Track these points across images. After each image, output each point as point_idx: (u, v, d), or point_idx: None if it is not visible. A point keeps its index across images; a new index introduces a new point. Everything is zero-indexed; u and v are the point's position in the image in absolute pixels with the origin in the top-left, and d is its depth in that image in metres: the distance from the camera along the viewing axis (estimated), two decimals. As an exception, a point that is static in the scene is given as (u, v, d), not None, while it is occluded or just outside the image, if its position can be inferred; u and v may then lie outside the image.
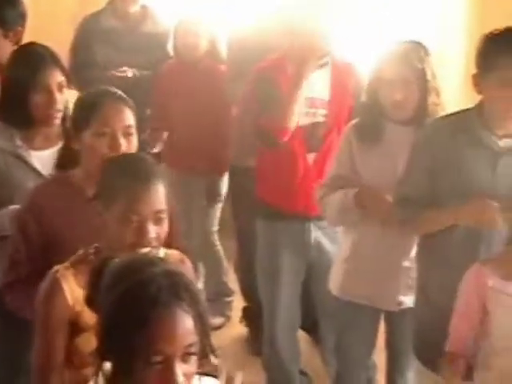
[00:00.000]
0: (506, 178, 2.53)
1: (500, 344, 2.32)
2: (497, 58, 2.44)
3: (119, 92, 2.48)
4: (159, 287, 1.46)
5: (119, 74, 4.07)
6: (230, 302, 4.50)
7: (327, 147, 3.27)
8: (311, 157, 3.32)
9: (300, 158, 3.30)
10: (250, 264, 3.94)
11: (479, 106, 2.57)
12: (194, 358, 1.48)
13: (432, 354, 2.63)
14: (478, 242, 2.55)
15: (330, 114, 3.28)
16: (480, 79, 2.52)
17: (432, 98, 2.81)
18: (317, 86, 3.28)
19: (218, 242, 4.39)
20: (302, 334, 3.99)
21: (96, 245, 2.09)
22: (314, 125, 3.29)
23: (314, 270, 3.49)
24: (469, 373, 2.54)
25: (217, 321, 4.43)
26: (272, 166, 3.38)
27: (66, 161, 2.67)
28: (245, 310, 4.33)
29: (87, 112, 2.40)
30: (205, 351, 1.52)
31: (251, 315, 4.14)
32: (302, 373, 3.82)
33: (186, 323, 1.47)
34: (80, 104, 2.50)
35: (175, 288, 1.48)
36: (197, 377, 1.57)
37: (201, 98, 4.05)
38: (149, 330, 1.44)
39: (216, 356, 1.57)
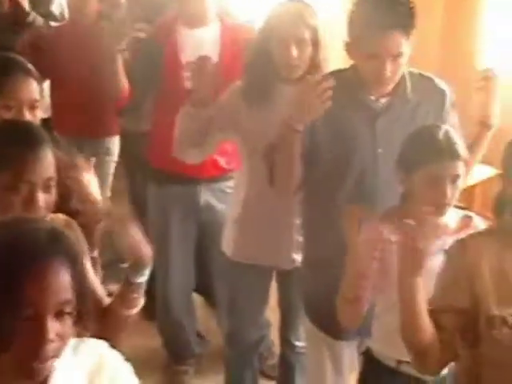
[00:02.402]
0: (384, 136, 2.56)
1: (394, 298, 2.38)
2: (362, 30, 2.44)
3: (26, 62, 2.40)
4: (35, 241, 1.44)
5: None
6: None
7: None
8: None
9: None
10: (143, 229, 3.91)
11: (355, 67, 2.57)
12: (68, 319, 1.46)
13: (318, 313, 2.70)
14: (361, 202, 2.57)
15: (219, 75, 3.24)
16: (350, 47, 2.52)
17: (322, 54, 2.82)
18: (205, 48, 3.25)
19: (111, 208, 4.34)
20: (198, 297, 4.03)
21: None
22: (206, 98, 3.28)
23: (206, 232, 3.52)
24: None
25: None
26: (161, 130, 3.36)
27: None
28: (140, 276, 4.32)
29: None
30: (82, 316, 1.50)
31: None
32: (199, 335, 3.87)
33: (61, 278, 1.44)
34: None
35: (53, 243, 1.46)
36: (78, 339, 1.56)
37: (91, 59, 3.97)
38: (22, 282, 1.41)
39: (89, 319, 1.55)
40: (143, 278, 2.11)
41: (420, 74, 2.64)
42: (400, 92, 2.57)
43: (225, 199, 3.36)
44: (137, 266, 2.10)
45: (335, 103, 2.48)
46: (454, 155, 2.29)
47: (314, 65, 2.81)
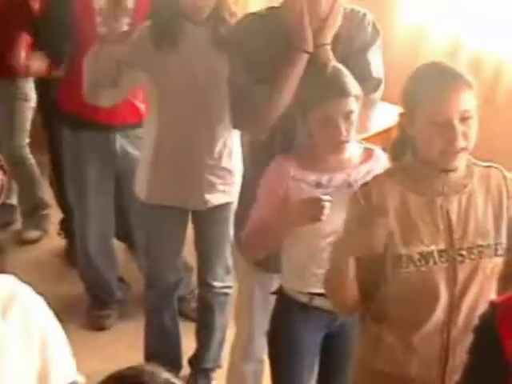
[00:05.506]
0: None
1: (297, 232, 2.43)
2: None
3: None
4: None
5: None
6: (46, 215, 4.46)
7: None
8: None
9: None
10: (63, 176, 3.94)
11: (277, 11, 2.51)
12: None
13: None
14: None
15: (135, 22, 3.17)
16: None
17: None
18: None
19: (30, 156, 4.31)
20: (120, 243, 4.07)
21: None
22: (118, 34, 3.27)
23: (123, 179, 3.52)
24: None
25: (34, 234, 4.40)
26: (73, 76, 3.32)
27: None
28: (62, 223, 4.33)
29: None
30: None
31: (68, 227, 4.15)
32: (121, 280, 3.91)
33: None
34: None
35: None
36: None
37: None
38: None
39: None
40: None
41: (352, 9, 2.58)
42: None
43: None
44: None
45: (269, 45, 2.46)
46: (342, 93, 2.31)
47: (221, 5, 2.79)
